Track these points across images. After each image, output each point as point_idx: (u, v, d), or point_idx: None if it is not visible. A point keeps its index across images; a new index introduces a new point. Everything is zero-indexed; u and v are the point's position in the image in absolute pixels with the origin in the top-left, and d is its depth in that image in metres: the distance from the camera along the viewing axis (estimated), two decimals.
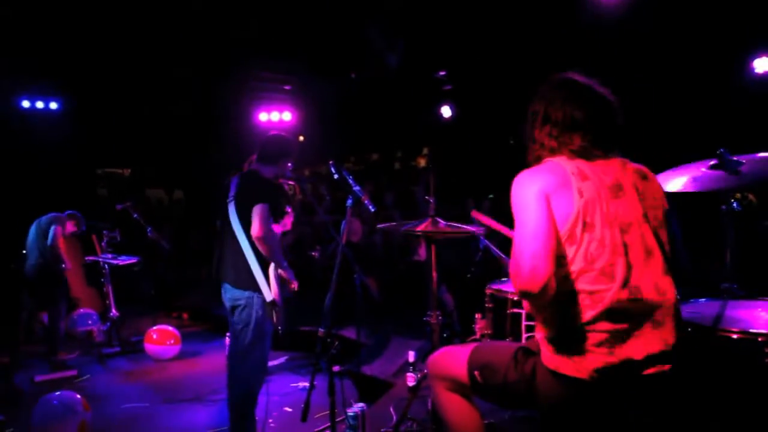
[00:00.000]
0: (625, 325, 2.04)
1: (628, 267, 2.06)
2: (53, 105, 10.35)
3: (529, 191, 2.10)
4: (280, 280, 3.89)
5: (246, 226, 3.81)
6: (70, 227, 6.87)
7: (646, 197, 2.17)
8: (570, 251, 2.07)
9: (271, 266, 3.86)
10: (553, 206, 2.07)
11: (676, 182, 3.02)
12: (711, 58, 7.55)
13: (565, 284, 2.07)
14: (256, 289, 3.84)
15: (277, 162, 4.10)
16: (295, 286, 4.08)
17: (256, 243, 3.76)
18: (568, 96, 2.24)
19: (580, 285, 2.05)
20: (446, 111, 10.82)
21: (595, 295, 2.04)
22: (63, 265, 6.71)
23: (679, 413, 2.41)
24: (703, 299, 3.24)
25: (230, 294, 3.97)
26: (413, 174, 11.46)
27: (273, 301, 3.84)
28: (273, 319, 3.93)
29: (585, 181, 2.10)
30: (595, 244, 2.06)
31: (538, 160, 2.25)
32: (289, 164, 4.21)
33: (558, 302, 2.09)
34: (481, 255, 3.79)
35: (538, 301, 2.11)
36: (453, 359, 2.45)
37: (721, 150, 2.94)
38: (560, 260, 2.07)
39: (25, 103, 10.07)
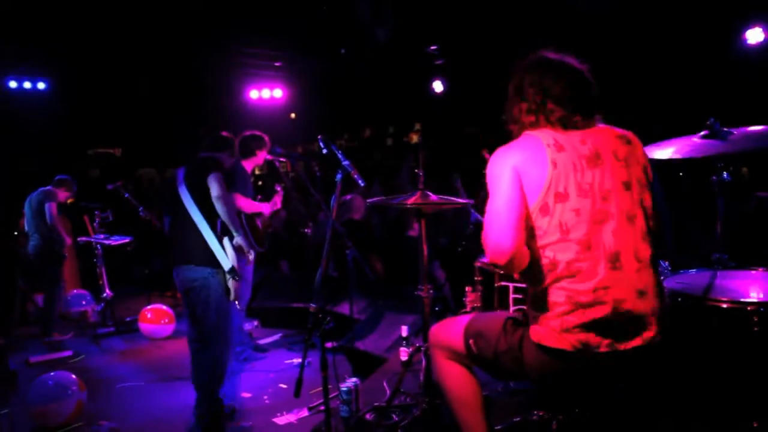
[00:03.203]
0: (605, 294, 2.04)
1: (607, 235, 2.06)
2: (41, 85, 10.23)
3: (502, 166, 2.14)
4: (237, 250, 4.01)
5: (199, 201, 3.96)
6: (63, 195, 6.76)
7: (630, 163, 2.16)
8: (543, 222, 2.08)
9: (226, 239, 3.96)
10: (524, 180, 2.10)
11: (666, 151, 3.02)
12: (703, 30, 7.50)
13: (541, 256, 2.09)
14: (214, 264, 3.92)
15: (222, 152, 4.44)
16: (251, 257, 4.23)
17: (216, 203, 3.91)
18: (542, 72, 2.25)
19: (557, 256, 2.06)
20: (438, 86, 10.76)
21: (572, 265, 2.05)
22: (65, 242, 6.63)
23: (665, 382, 2.43)
24: (694, 270, 3.25)
25: (183, 275, 4.02)
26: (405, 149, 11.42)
27: (232, 269, 3.90)
28: (231, 292, 3.97)
29: (560, 152, 2.10)
30: (571, 214, 2.06)
31: (518, 136, 2.27)
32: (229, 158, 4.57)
33: (536, 274, 2.11)
34: (472, 228, 3.79)
35: (509, 271, 2.23)
36: (452, 329, 2.48)
37: (711, 120, 2.93)
38: (533, 232, 2.09)
39: (12, 84, 9.94)
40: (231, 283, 3.97)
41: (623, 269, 2.06)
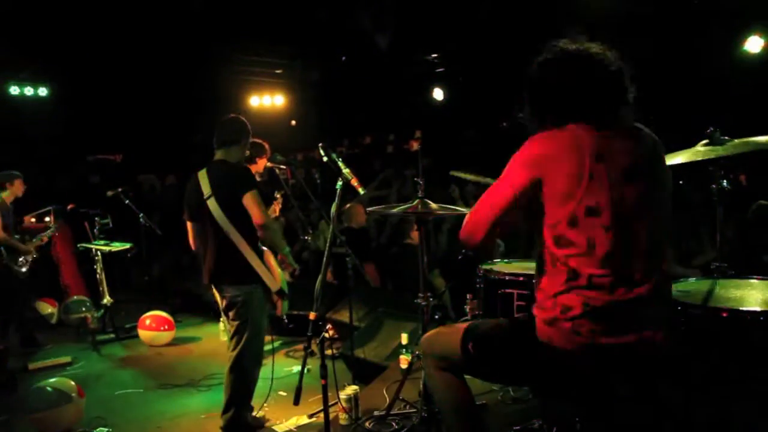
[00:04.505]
0: (621, 304, 2.05)
1: (634, 254, 2.06)
2: (42, 91, 10.26)
3: (525, 166, 2.10)
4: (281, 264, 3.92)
5: (234, 220, 3.74)
6: (19, 190, 6.68)
7: (662, 177, 2.16)
8: (571, 233, 2.06)
9: (268, 254, 3.84)
10: (549, 189, 2.06)
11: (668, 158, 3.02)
12: (704, 39, 7.52)
13: (565, 263, 2.08)
14: (257, 280, 3.81)
15: (239, 143, 4.02)
16: (294, 271, 4.09)
17: (260, 231, 3.71)
18: (569, 65, 2.20)
19: (581, 268, 2.06)
20: (438, 94, 10.78)
21: (594, 279, 2.05)
22: (19, 254, 6.53)
23: (668, 388, 2.42)
24: (693, 278, 3.25)
25: (226, 292, 3.91)
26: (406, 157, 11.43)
27: (281, 290, 3.83)
28: (277, 309, 3.93)
29: (599, 163, 2.03)
30: (600, 230, 2.03)
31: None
32: (248, 146, 4.12)
33: (556, 277, 2.11)
34: None
35: (477, 254, 2.35)
36: (447, 336, 2.46)
37: (711, 129, 2.94)
38: (559, 240, 2.08)
39: (14, 90, 9.97)
40: (278, 301, 3.92)
41: (643, 283, 2.06)
